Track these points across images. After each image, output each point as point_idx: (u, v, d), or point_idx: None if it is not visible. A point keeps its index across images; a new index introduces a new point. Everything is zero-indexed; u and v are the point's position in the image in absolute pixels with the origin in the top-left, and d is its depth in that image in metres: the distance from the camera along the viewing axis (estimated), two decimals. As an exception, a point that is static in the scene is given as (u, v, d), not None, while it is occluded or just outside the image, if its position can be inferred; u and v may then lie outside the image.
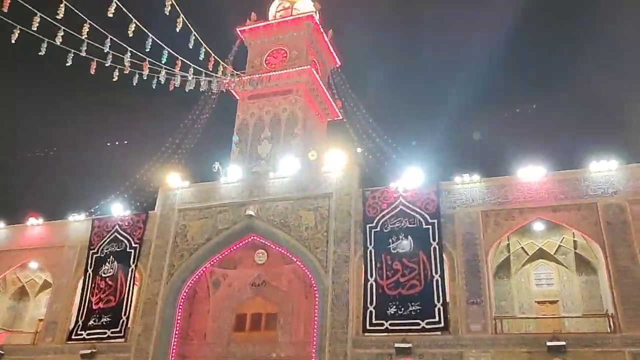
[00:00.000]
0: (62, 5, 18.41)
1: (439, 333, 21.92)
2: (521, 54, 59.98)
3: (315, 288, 24.86)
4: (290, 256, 26.23)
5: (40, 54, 19.76)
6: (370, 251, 23.85)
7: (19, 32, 18.82)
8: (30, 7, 18.19)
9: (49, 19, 18.88)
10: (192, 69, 24.68)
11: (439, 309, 21.96)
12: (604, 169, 22.81)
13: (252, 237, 27.07)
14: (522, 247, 25.22)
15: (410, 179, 24.89)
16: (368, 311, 22.80)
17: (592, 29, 56.46)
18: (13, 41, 18.80)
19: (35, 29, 18.81)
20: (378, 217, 24.40)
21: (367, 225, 24.39)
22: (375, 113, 33.85)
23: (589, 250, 23.83)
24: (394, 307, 22.56)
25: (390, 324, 22.35)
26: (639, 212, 21.69)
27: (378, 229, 24.20)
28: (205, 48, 23.06)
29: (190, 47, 22.85)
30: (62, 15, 18.69)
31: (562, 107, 50.04)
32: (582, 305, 24.06)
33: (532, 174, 23.61)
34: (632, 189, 22.15)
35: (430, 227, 23.51)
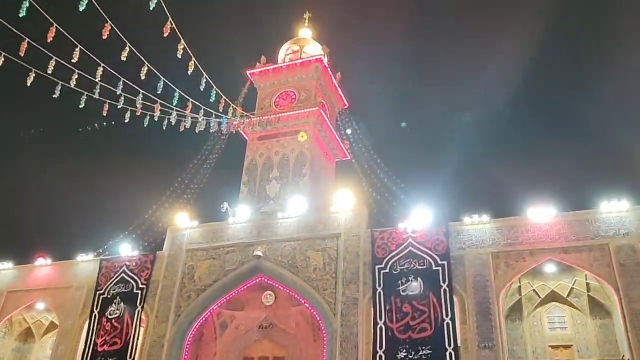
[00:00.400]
0: (77, 49, 18.98)
1: (451, 378, 21.31)
2: (532, 94, 60.57)
3: (323, 331, 24.42)
4: (298, 298, 25.90)
5: (54, 96, 20.26)
6: (380, 293, 23.48)
7: (34, 75, 19.36)
8: (45, 51, 18.73)
9: (64, 62, 19.42)
10: (202, 111, 25.14)
11: (450, 353, 21.40)
12: (614, 210, 22.53)
13: (260, 278, 26.84)
14: (534, 290, 24.75)
15: (419, 220, 24.73)
16: (377, 355, 22.24)
17: (602, 69, 57.01)
18: (28, 84, 19.32)
19: (50, 72, 19.33)
20: (387, 258, 24.13)
21: (376, 267, 24.10)
22: (384, 153, 34.04)
23: (602, 293, 23.34)
24: (404, 351, 22.01)
25: (400, 369, 21.80)
26: (652, 254, 21.35)
27: (387, 270, 23.89)
28: (215, 90, 23.57)
29: (202, 90, 23.38)
30: (77, 59, 19.25)
31: (571, 147, 50.11)
32: (597, 349, 23.40)
33: (542, 214, 23.39)
34: (644, 230, 21.85)
35: (440, 268, 23.19)
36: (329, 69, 36.67)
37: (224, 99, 24.58)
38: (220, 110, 27.25)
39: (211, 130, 28.64)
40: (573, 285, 24.19)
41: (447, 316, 22.11)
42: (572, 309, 24.53)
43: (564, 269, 23.32)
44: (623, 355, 21.51)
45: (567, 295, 24.48)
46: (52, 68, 19.07)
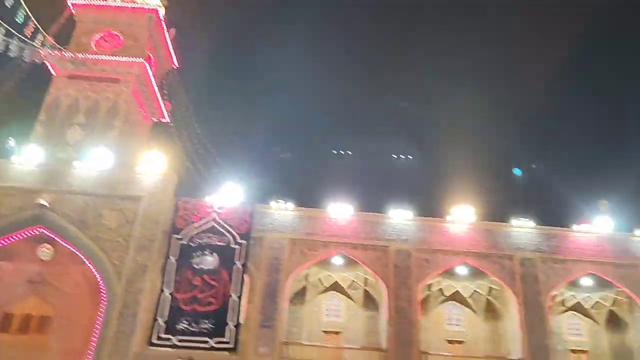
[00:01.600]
0: None
1: (227, 353, 21.80)
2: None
3: (103, 294, 23.00)
4: (82, 257, 23.93)
5: None
6: (172, 263, 22.99)
7: None
8: None
9: None
10: (3, 30, 21.77)
11: (231, 329, 21.90)
12: (400, 218, 25.45)
13: (39, 229, 24.13)
14: (319, 279, 26.58)
15: (227, 196, 24.72)
16: (157, 324, 21.86)
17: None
18: None
19: None
20: (186, 229, 23.72)
21: (174, 236, 23.53)
22: (205, 123, 33.17)
23: (376, 288, 25.98)
24: (186, 322, 22.01)
25: (179, 340, 21.70)
26: (421, 260, 24.57)
27: (185, 241, 23.51)
28: (25, 10, 20.58)
29: (8, 7, 20.29)
30: None
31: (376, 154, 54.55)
32: (363, 338, 25.95)
33: (340, 211, 25.27)
34: (418, 239, 25.05)
35: (238, 247, 23.52)
36: (163, 23, 34.43)
37: (34, 23, 21.54)
38: (28, 36, 23.83)
39: (11, 55, 24.88)
40: (354, 279, 26.53)
41: (235, 293, 22.55)
42: (348, 299, 26.88)
43: (349, 263, 25.49)
44: (382, 346, 24.22)
45: (347, 287, 26.76)
46: None
